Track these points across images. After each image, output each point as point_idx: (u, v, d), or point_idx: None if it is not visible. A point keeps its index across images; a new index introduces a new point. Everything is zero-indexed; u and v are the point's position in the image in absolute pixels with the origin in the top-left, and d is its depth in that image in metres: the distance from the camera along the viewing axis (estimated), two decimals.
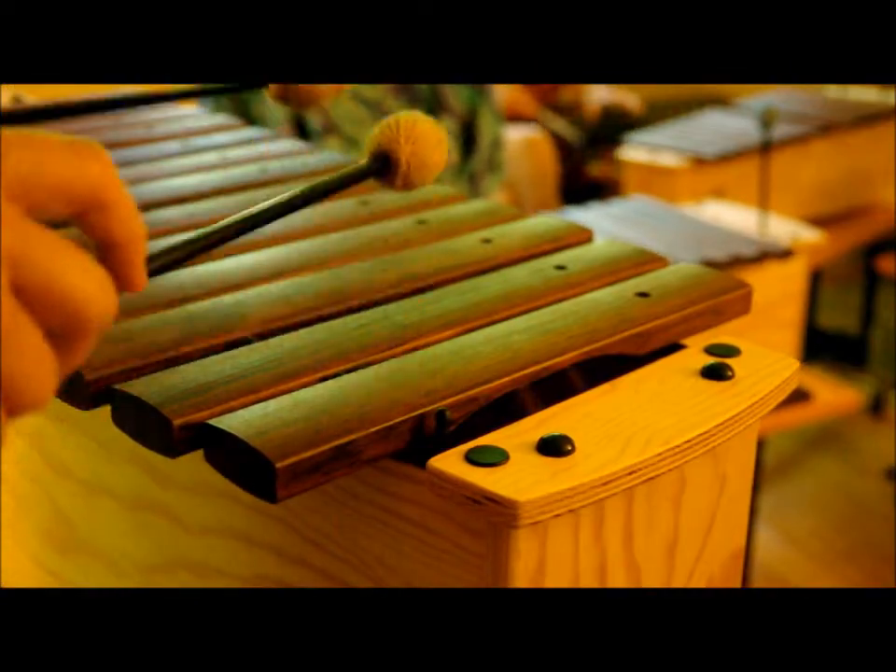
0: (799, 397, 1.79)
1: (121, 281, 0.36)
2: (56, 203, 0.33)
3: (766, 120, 1.88)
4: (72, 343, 0.33)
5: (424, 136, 0.50)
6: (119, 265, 0.36)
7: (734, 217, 1.86)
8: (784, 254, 1.67)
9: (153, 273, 0.40)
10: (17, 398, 0.31)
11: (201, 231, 0.45)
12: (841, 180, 2.52)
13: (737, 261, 1.62)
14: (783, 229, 1.80)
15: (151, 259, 0.40)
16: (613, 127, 3.01)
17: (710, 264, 1.54)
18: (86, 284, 0.32)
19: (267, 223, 0.47)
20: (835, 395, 1.87)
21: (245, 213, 0.46)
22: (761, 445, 1.92)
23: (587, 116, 3.21)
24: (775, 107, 1.97)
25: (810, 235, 1.78)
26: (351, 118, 1.96)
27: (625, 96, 3.27)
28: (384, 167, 0.50)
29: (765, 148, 1.90)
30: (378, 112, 1.99)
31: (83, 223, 0.34)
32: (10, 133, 0.32)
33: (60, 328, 0.32)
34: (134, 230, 0.35)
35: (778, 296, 1.71)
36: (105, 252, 0.35)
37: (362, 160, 0.51)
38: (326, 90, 0.57)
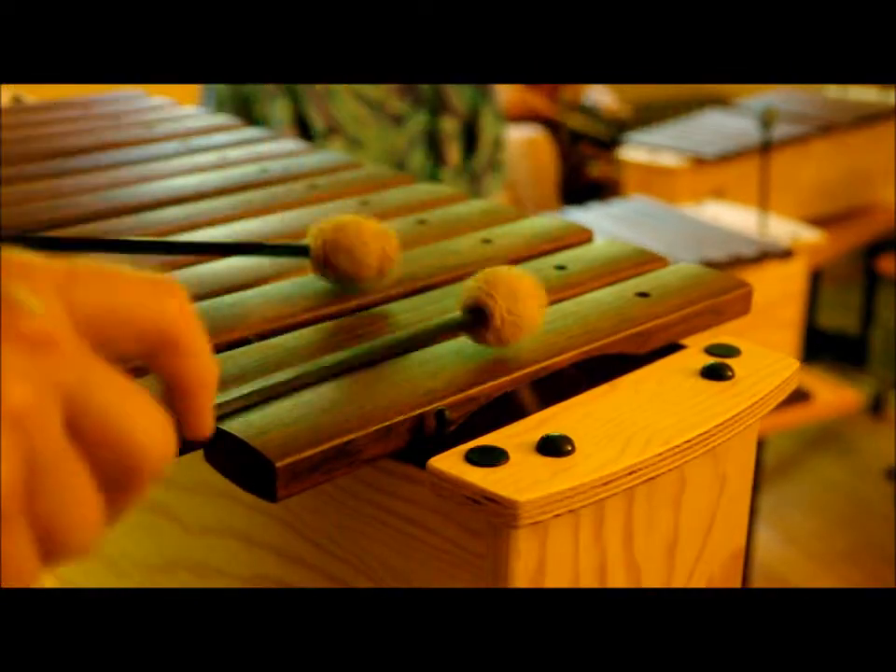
0: (799, 397, 1.79)
1: (188, 427, 0.34)
2: (126, 340, 0.31)
3: (766, 120, 1.88)
4: (122, 490, 0.30)
5: (523, 295, 0.50)
6: (186, 410, 0.34)
7: (733, 218, 1.86)
8: (784, 254, 1.67)
9: (220, 418, 0.40)
10: (57, 544, 0.29)
11: (278, 378, 0.46)
12: (841, 180, 2.52)
13: (737, 261, 1.62)
14: (783, 229, 1.80)
15: (220, 405, 0.40)
16: (604, 128, 3.02)
17: (710, 264, 1.54)
18: (147, 428, 0.30)
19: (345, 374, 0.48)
20: (835, 395, 1.87)
21: (326, 362, 0.48)
22: (761, 445, 1.91)
23: (612, 114, 3.19)
24: (775, 107, 1.97)
25: (810, 235, 1.78)
26: (354, 118, 1.96)
27: (607, 97, 3.27)
28: (476, 321, 0.50)
29: (765, 148, 1.90)
30: (381, 112, 1.99)
31: (153, 362, 0.33)
32: (85, 261, 0.31)
33: (112, 473, 0.30)
34: (207, 375, 0.33)
35: (778, 296, 1.71)
36: (174, 395, 0.33)
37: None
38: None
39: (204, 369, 0.33)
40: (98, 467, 0.29)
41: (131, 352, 0.32)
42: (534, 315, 0.50)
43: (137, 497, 0.31)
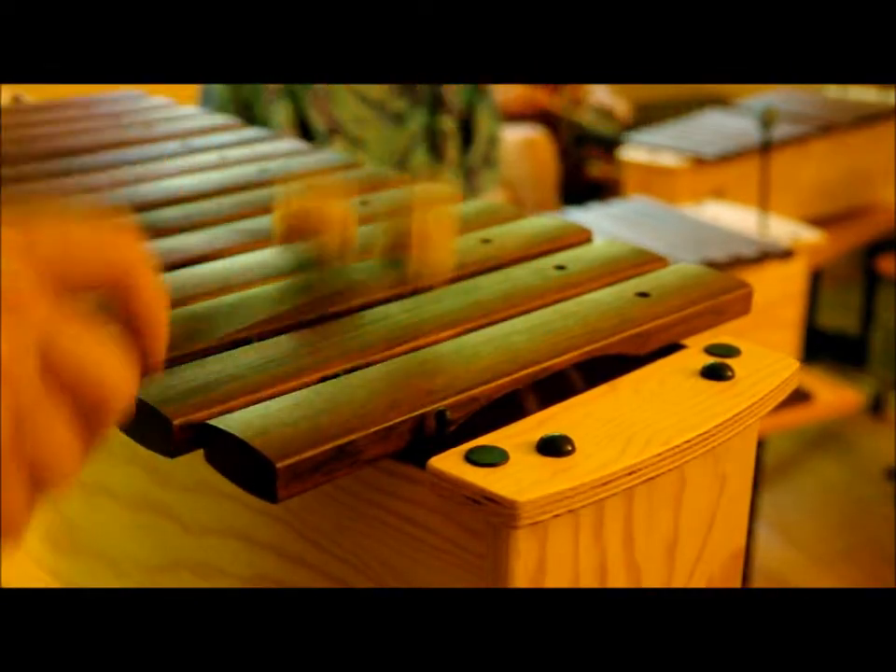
0: (799, 397, 1.79)
1: (143, 357, 0.37)
2: (87, 286, 0.34)
3: (766, 120, 1.88)
4: (94, 422, 0.34)
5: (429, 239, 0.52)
6: (142, 346, 0.37)
7: (734, 218, 1.86)
8: (784, 254, 1.67)
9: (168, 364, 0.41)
10: (45, 478, 0.32)
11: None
12: (841, 180, 2.52)
13: (738, 262, 1.62)
14: (783, 229, 1.80)
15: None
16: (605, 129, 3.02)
17: (711, 264, 1.54)
18: (113, 369, 0.33)
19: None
20: (836, 395, 1.87)
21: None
22: (761, 445, 1.91)
23: (618, 117, 3.19)
24: (775, 107, 1.97)
25: (810, 235, 1.78)
26: (355, 118, 1.96)
27: (616, 101, 3.27)
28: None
29: (765, 148, 1.90)
30: (382, 112, 1.99)
31: (109, 300, 0.35)
32: (41, 217, 0.33)
33: (85, 409, 0.33)
34: (160, 311, 0.36)
35: (779, 296, 1.71)
36: (131, 333, 0.36)
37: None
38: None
39: (157, 306, 0.36)
40: (72, 404, 0.33)
41: (88, 289, 0.35)
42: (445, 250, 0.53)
43: (107, 427, 0.34)
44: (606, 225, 1.73)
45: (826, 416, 1.94)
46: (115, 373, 0.33)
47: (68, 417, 0.33)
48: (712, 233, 1.72)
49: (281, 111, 1.91)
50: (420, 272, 0.52)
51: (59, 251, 0.33)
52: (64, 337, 0.32)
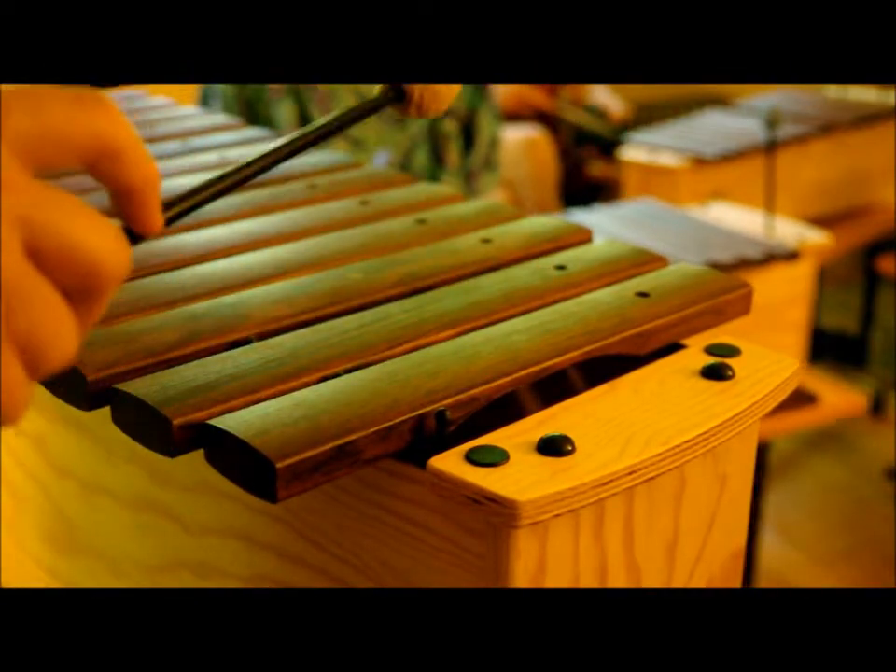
0: (804, 399, 1.78)
1: (138, 225, 0.36)
2: (65, 156, 0.33)
3: (771, 121, 1.87)
4: (88, 301, 0.33)
5: None
6: (134, 210, 0.36)
7: (739, 219, 1.85)
8: (790, 256, 1.66)
9: (168, 220, 0.40)
10: (41, 357, 0.31)
11: (214, 175, 0.44)
12: (841, 180, 2.52)
13: (743, 263, 1.61)
14: (789, 230, 1.79)
15: (166, 205, 0.40)
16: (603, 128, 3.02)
17: (715, 266, 1.53)
18: (101, 242, 0.32)
19: (282, 161, 0.47)
20: (841, 398, 1.86)
21: (260, 153, 0.46)
22: (765, 448, 1.91)
23: (612, 118, 3.19)
24: (778, 108, 1.96)
25: (817, 237, 1.77)
26: None
27: (613, 100, 3.26)
28: (398, 95, 0.51)
29: (770, 149, 1.90)
30: (383, 113, 1.99)
31: (95, 172, 0.34)
32: (8, 91, 0.32)
33: (76, 287, 0.32)
34: (147, 173, 0.35)
35: (785, 298, 1.70)
36: (120, 198, 0.35)
37: (376, 92, 0.52)
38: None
39: (144, 168, 0.35)
40: (62, 284, 0.32)
41: (72, 165, 0.33)
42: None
43: (102, 305, 0.33)
44: (610, 226, 1.73)
45: (831, 419, 1.93)
46: (104, 245, 0.32)
47: (59, 296, 0.31)
48: (718, 235, 1.71)
49: (284, 110, 1.91)
50: (422, 102, 0.51)
51: (34, 124, 0.32)
52: (47, 213, 0.31)
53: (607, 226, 1.72)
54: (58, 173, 0.33)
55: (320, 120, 0.48)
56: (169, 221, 0.39)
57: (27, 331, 0.31)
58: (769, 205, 1.83)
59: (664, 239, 1.67)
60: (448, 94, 0.52)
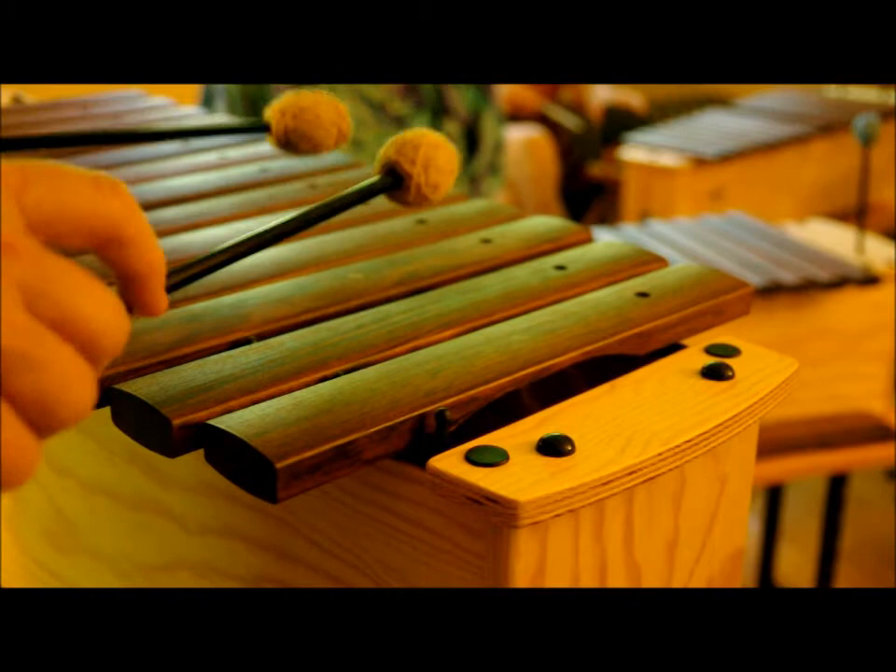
0: (884, 435, 1.60)
1: (142, 308, 0.37)
2: (76, 236, 0.34)
3: (868, 134, 1.77)
4: (89, 364, 0.33)
5: (435, 154, 0.51)
6: (139, 294, 0.37)
7: (832, 238, 1.74)
8: (867, 280, 1.53)
9: (170, 290, 0.41)
10: (50, 415, 0.31)
11: (215, 249, 0.45)
12: (841, 180, 2.52)
13: (810, 285, 1.50)
14: (879, 252, 1.65)
15: (169, 276, 0.41)
16: (618, 126, 2.99)
17: (779, 287, 1.46)
18: (101, 315, 0.33)
19: (279, 240, 0.48)
20: None
21: (258, 230, 0.47)
22: (842, 480, 1.78)
23: (591, 116, 3.20)
24: (875, 121, 1.82)
25: None
26: (356, 119, 1.96)
27: (630, 95, 3.27)
28: (395, 183, 0.51)
29: (863, 171, 1.80)
30: (382, 114, 1.99)
31: (103, 255, 0.35)
32: (35, 164, 0.33)
33: (77, 350, 0.33)
34: (153, 262, 0.36)
35: (864, 325, 1.58)
36: (125, 282, 0.36)
37: (374, 176, 0.52)
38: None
39: (150, 257, 0.36)
40: (66, 344, 0.32)
41: (82, 246, 0.34)
42: (449, 170, 0.52)
43: (97, 374, 0.33)
44: (684, 240, 1.64)
45: None
46: (104, 318, 0.33)
47: (72, 349, 0.32)
48: (795, 254, 1.60)
49: None
50: (420, 192, 0.51)
51: (51, 199, 0.33)
52: (52, 283, 0.32)
53: (679, 239, 1.63)
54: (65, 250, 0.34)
55: (315, 205, 0.49)
56: (170, 290, 0.40)
57: (33, 389, 0.31)
58: (861, 224, 1.73)
59: (734, 255, 1.57)
60: (447, 181, 0.52)
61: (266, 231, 0.47)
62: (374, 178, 0.51)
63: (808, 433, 1.61)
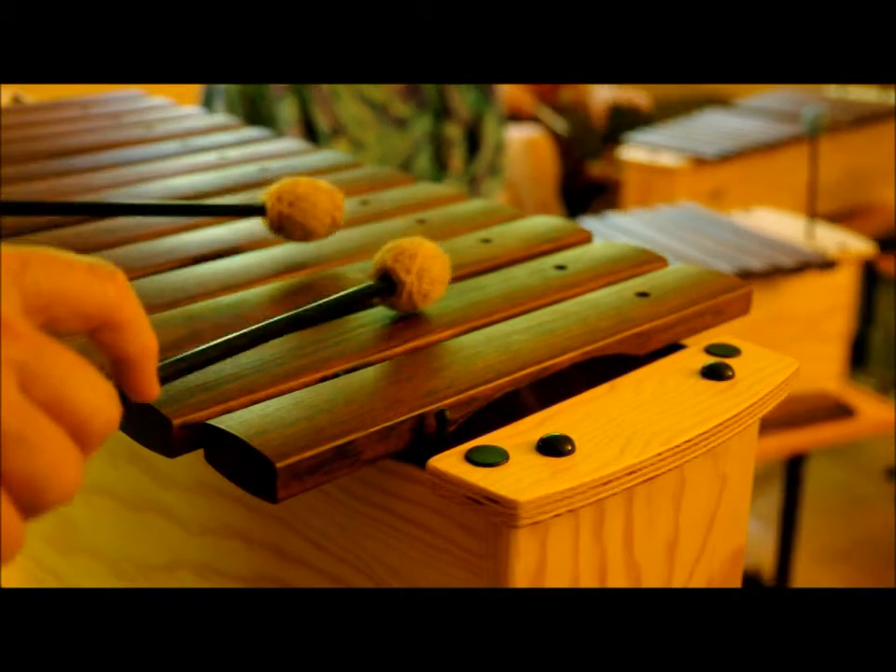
0: (842, 412, 1.71)
1: (134, 393, 0.38)
2: (72, 319, 0.35)
3: (815, 124, 1.81)
4: (79, 448, 0.34)
5: (430, 265, 0.54)
6: (131, 378, 0.37)
7: (780, 225, 1.81)
8: (825, 264, 1.61)
9: (164, 381, 0.42)
10: (38, 496, 0.32)
11: (210, 344, 0.46)
12: (841, 180, 2.52)
13: (776, 271, 1.57)
14: (831, 238, 1.73)
15: (162, 368, 0.42)
16: (624, 125, 2.99)
17: (747, 274, 1.50)
18: (93, 399, 0.33)
19: (273, 338, 0.50)
20: (879, 411, 1.78)
21: (254, 327, 0.48)
22: (800, 460, 1.86)
23: (593, 116, 3.20)
24: (824, 112, 1.87)
25: (858, 245, 1.71)
26: (357, 120, 1.97)
27: (634, 93, 3.27)
28: (388, 288, 0.54)
29: (813, 156, 1.85)
30: (383, 115, 1.99)
31: (96, 339, 0.36)
32: (34, 249, 0.34)
33: (68, 434, 0.33)
34: (146, 346, 0.37)
35: (822, 308, 1.66)
36: (118, 366, 0.37)
37: (368, 280, 0.55)
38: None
39: (144, 342, 0.37)
40: (57, 427, 0.33)
41: (76, 330, 0.35)
42: (441, 281, 0.55)
43: (89, 455, 0.34)
44: (644, 230, 1.69)
45: (868, 433, 1.86)
46: (94, 401, 0.33)
47: (61, 431, 0.32)
48: (754, 241, 1.66)
49: (287, 109, 1.91)
50: (411, 300, 0.54)
51: (52, 282, 0.33)
52: (46, 364, 0.32)
53: (640, 229, 1.69)
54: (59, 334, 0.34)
55: (310, 306, 0.52)
56: (163, 382, 0.41)
57: (25, 469, 0.31)
58: (811, 212, 1.79)
59: (696, 245, 1.64)
60: (438, 290, 0.55)
61: (258, 329, 0.48)
62: (369, 283, 0.54)
63: (772, 414, 1.65)
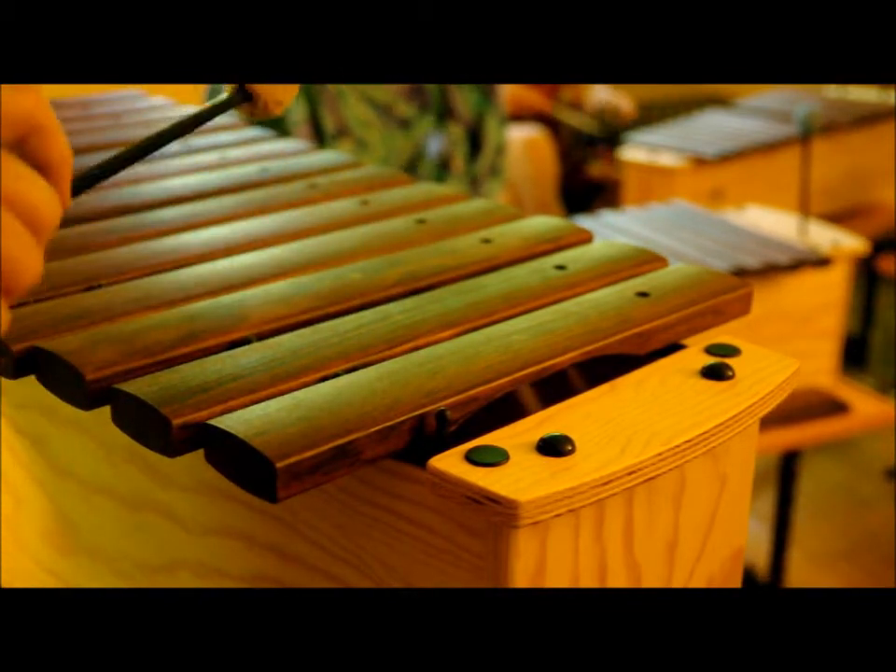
0: (836, 408, 1.72)
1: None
2: (4, 129, 0.40)
3: (808, 123, 1.83)
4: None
5: None
6: (53, 184, 0.42)
7: (774, 222, 1.81)
8: (820, 262, 1.62)
9: (76, 192, 0.49)
10: (14, 278, 0.39)
11: (108, 157, 0.53)
12: (841, 180, 2.52)
13: (771, 269, 1.57)
14: (824, 235, 1.74)
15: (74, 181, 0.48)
16: (605, 128, 3.01)
17: (743, 271, 1.50)
18: (42, 195, 0.40)
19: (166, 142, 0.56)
20: (873, 407, 1.80)
21: (145, 138, 0.56)
22: (794, 456, 1.88)
23: (624, 115, 3.20)
24: (816, 111, 1.89)
25: (851, 242, 1.73)
26: (361, 120, 1.97)
27: (620, 98, 3.27)
28: (246, 98, 0.58)
29: (805, 154, 1.86)
30: (388, 116, 2.00)
31: (24, 149, 0.41)
32: None
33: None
34: (64, 154, 0.43)
35: (816, 305, 1.67)
36: (42, 173, 0.42)
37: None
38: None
39: (63, 149, 0.43)
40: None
41: (7, 138, 0.40)
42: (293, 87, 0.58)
43: (42, 245, 0.41)
44: (639, 229, 1.70)
45: (863, 429, 1.87)
46: (42, 194, 0.40)
47: (19, 227, 0.38)
48: (748, 239, 1.67)
49: (295, 108, 1.92)
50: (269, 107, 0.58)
51: None
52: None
53: (635, 228, 1.70)
54: None
55: (186, 115, 0.59)
56: (74, 194, 0.48)
57: (6, 252, 0.38)
58: (804, 210, 1.80)
59: (692, 243, 1.64)
60: (286, 95, 0.58)
61: (151, 138, 0.56)
62: (230, 95, 0.58)
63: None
